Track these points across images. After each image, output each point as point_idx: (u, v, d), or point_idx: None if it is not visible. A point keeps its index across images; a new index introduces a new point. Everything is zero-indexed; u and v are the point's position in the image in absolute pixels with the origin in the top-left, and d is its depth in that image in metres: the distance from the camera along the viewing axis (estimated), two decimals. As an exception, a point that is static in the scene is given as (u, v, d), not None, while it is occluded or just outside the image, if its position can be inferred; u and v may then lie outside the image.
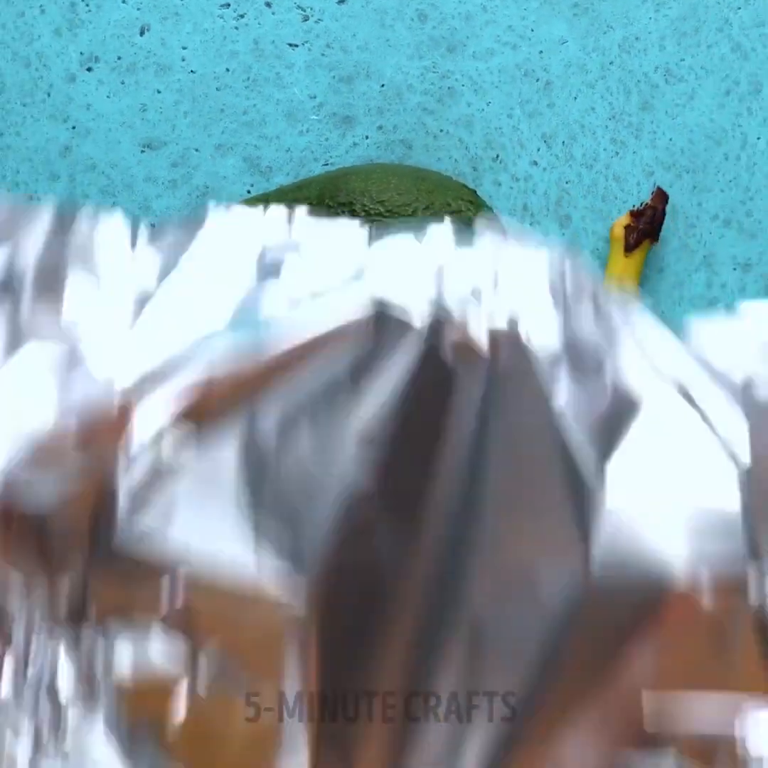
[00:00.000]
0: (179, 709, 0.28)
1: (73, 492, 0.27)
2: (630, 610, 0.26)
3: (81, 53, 0.45)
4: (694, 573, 0.26)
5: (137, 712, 0.28)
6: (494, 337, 0.27)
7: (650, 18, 0.46)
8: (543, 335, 0.27)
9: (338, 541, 0.27)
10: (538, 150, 0.46)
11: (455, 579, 0.27)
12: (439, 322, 0.27)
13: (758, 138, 0.46)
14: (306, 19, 0.46)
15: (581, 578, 0.27)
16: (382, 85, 0.46)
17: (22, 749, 0.28)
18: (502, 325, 0.27)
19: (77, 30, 0.45)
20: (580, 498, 0.26)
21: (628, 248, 0.44)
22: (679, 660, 0.27)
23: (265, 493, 0.27)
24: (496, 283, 0.27)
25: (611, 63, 0.46)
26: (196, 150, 0.45)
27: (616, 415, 0.27)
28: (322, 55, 0.46)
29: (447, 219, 0.40)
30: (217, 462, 0.27)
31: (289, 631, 0.28)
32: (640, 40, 0.46)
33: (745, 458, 0.27)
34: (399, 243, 0.27)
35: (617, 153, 0.46)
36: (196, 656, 0.28)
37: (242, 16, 0.46)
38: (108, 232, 0.29)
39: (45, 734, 0.28)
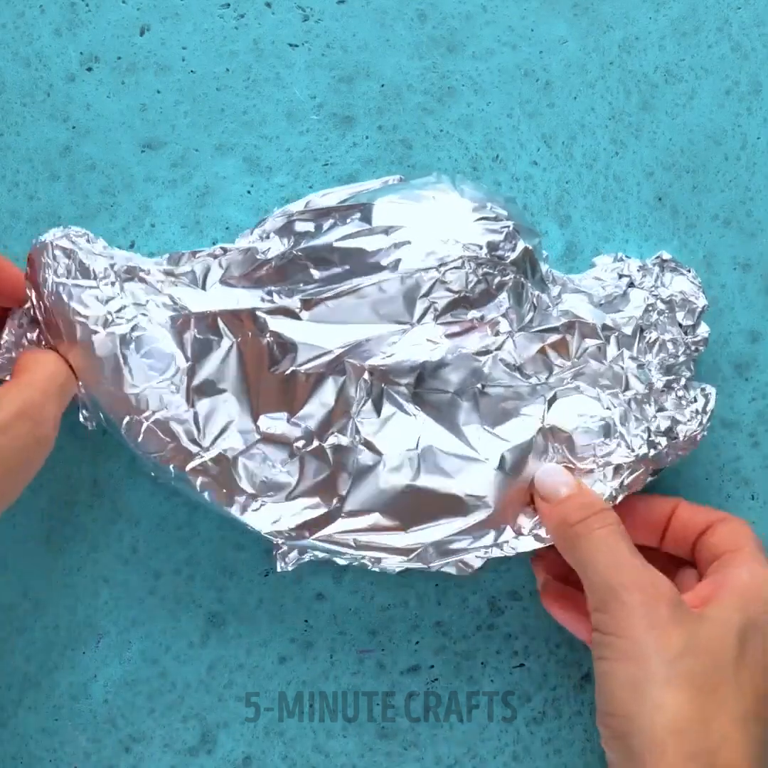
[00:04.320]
0: None
1: None
2: None
3: (81, 53, 0.45)
4: None
5: None
6: None
7: (650, 18, 0.46)
8: None
9: None
10: (538, 150, 0.46)
11: None
12: None
13: (758, 138, 0.46)
14: (306, 19, 0.46)
15: None
16: (382, 85, 0.46)
17: None
18: None
19: (77, 30, 0.45)
20: None
21: None
22: None
23: None
24: None
25: (611, 63, 0.46)
26: (196, 150, 0.45)
27: None
28: (322, 55, 0.46)
29: None
30: None
31: None
32: (640, 40, 0.46)
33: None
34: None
35: (617, 153, 0.46)
36: None
37: (242, 16, 0.46)
38: None
39: None
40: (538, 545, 0.40)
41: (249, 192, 0.45)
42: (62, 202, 0.45)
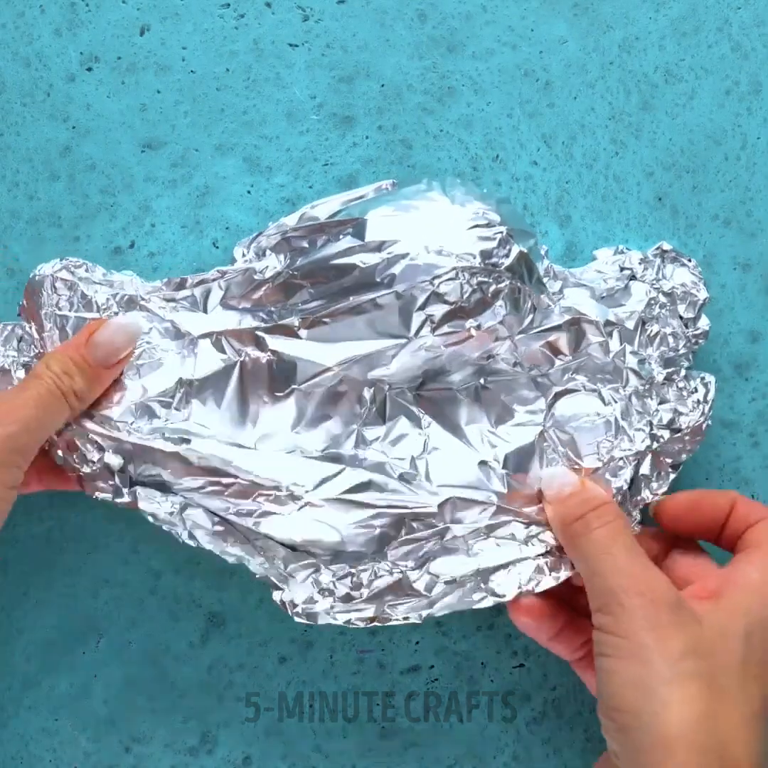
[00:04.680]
0: None
1: None
2: None
3: (81, 53, 0.45)
4: None
5: None
6: None
7: (650, 18, 0.46)
8: None
9: None
10: (538, 150, 0.46)
11: None
12: None
13: (758, 138, 0.46)
14: (306, 19, 0.46)
15: None
16: (382, 85, 0.46)
17: None
18: None
19: (77, 30, 0.45)
20: None
21: None
22: None
23: None
24: None
25: (611, 63, 0.46)
26: (196, 150, 0.45)
27: None
28: (322, 55, 0.46)
29: None
30: None
31: None
32: (640, 40, 0.46)
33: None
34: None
35: (617, 153, 0.46)
36: None
37: (242, 16, 0.46)
38: None
39: None
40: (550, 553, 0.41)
41: (249, 192, 0.45)
42: (62, 202, 0.45)
